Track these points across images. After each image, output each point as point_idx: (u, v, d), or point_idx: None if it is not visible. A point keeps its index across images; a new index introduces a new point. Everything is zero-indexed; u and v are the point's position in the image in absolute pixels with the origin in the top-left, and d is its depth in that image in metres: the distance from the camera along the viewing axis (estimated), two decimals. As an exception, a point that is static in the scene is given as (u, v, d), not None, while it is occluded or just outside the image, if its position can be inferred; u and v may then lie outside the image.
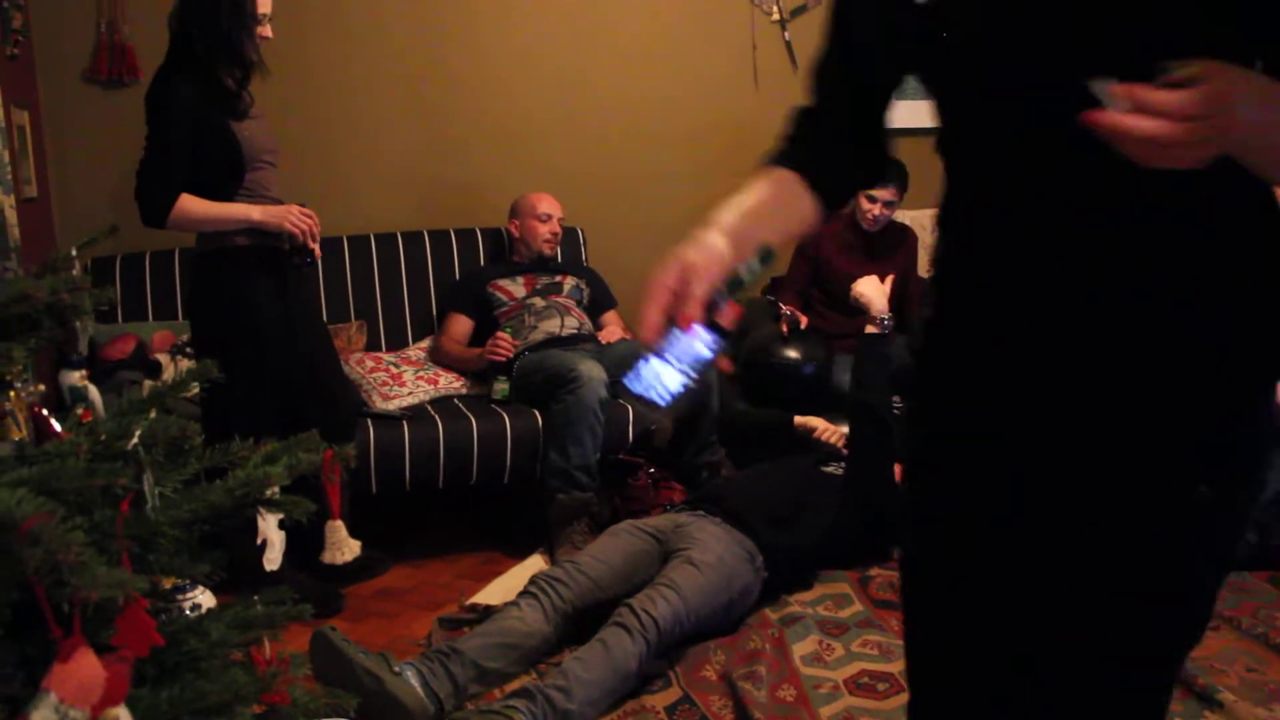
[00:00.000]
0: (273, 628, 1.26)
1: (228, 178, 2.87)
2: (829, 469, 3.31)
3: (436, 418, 3.43)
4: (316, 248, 2.96)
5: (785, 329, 3.95)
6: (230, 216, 2.85)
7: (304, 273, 3.04)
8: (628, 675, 2.34)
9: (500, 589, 3.09)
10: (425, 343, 3.96)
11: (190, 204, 2.80)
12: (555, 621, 2.57)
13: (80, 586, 0.83)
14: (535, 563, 3.32)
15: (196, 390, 1.39)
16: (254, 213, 2.86)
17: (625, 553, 2.76)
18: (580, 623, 2.58)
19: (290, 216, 2.89)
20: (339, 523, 2.63)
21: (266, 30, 2.90)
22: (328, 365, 3.17)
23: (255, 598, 1.28)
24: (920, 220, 4.79)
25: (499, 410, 3.50)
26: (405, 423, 3.38)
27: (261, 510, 1.29)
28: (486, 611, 2.84)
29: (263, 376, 2.90)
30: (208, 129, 2.81)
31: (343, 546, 2.31)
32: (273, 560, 1.43)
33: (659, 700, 2.38)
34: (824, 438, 3.54)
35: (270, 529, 1.39)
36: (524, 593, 2.63)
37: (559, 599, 2.59)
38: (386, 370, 3.68)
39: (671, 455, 3.69)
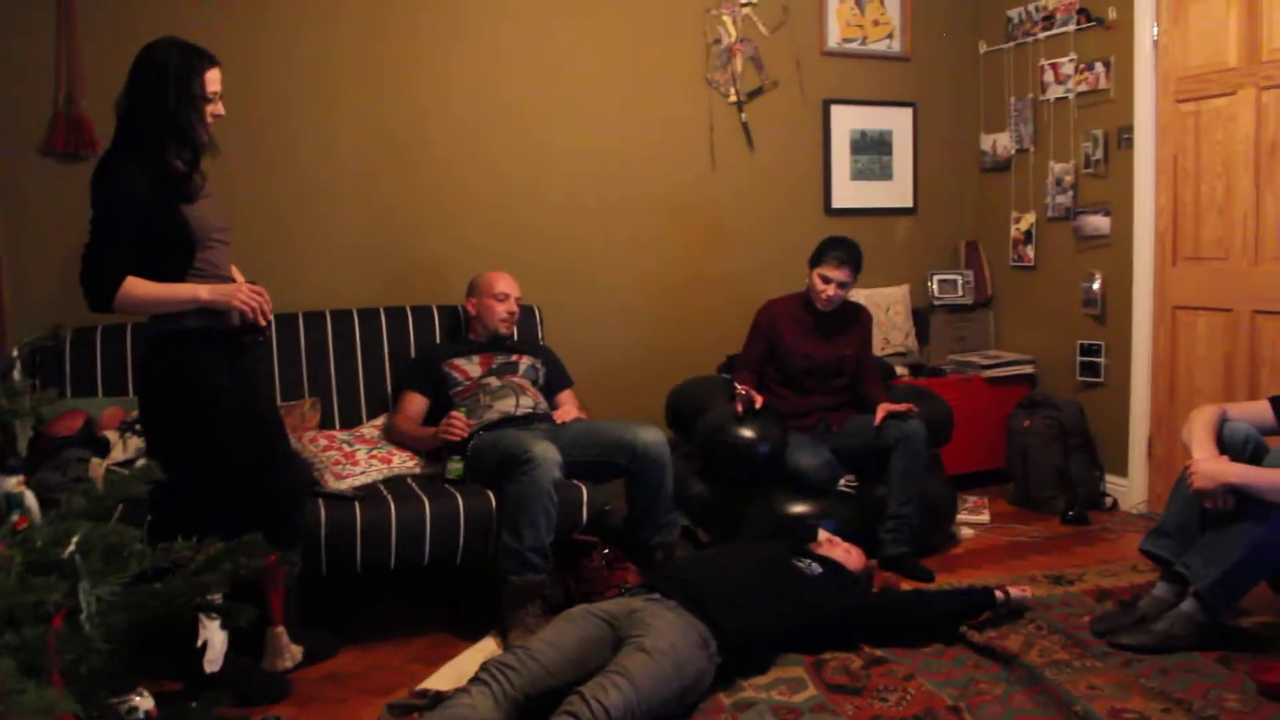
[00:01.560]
0: (210, 733, 1.24)
1: (178, 258, 2.83)
2: (801, 565, 3.31)
3: (389, 497, 3.40)
4: (265, 324, 2.93)
5: (740, 408, 3.97)
6: (178, 297, 2.80)
7: (255, 350, 3.01)
8: (578, 767, 2.31)
9: (452, 673, 3.05)
10: (380, 421, 3.94)
11: (136, 287, 2.75)
12: (506, 709, 2.53)
13: (6, 713, 0.81)
14: (488, 645, 3.29)
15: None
16: (202, 292, 2.81)
17: (578, 638, 2.73)
18: (531, 710, 2.54)
19: (239, 295, 2.84)
20: (280, 629, 2.60)
21: (218, 108, 2.88)
22: (279, 447, 3.13)
23: (192, 704, 1.26)
24: (874, 299, 4.87)
25: (452, 490, 3.48)
26: (357, 503, 3.35)
27: (202, 615, 1.27)
28: (437, 697, 2.80)
29: (213, 458, 2.86)
30: (156, 213, 2.77)
31: (284, 653, 2.28)
32: (213, 662, 1.41)
33: (609, 793, 2.35)
34: (831, 554, 3.51)
35: (212, 631, 1.37)
36: (475, 679, 2.60)
37: (510, 686, 2.55)
38: (339, 449, 3.65)
39: (627, 536, 3.67)
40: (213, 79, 2.84)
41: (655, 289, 4.88)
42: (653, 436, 3.62)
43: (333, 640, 3.27)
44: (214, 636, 1.38)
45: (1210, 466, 3.12)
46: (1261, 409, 3.42)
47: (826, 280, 4.10)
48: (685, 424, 4.29)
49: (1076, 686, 2.86)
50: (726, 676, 2.88)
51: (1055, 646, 3.17)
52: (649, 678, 2.53)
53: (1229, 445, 3.21)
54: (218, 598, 1.24)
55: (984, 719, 2.70)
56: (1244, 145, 4.13)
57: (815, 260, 4.15)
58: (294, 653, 2.89)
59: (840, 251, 4.10)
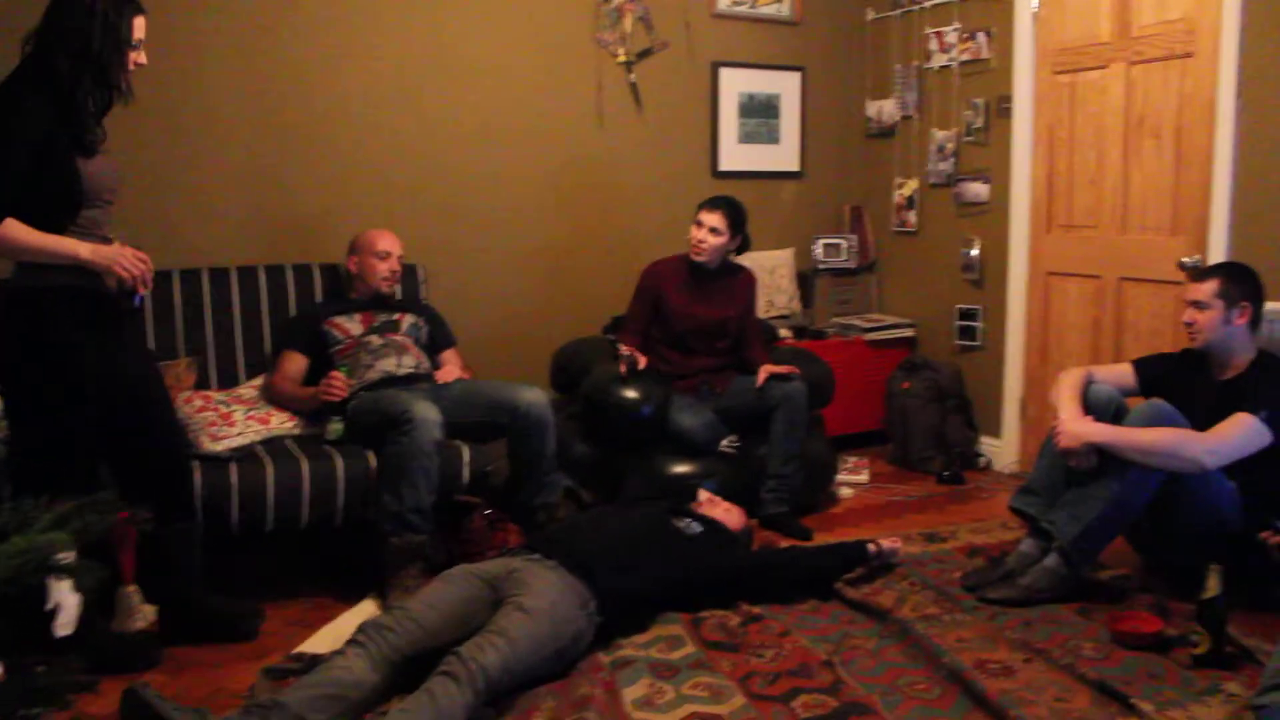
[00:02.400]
0: (57, 699, 1.20)
1: (61, 211, 2.70)
2: (681, 524, 3.34)
3: (266, 458, 3.34)
4: (144, 291, 2.83)
5: (624, 369, 3.98)
6: (58, 250, 2.67)
7: (127, 313, 2.91)
8: (454, 726, 2.31)
9: (329, 636, 3.01)
10: (258, 381, 3.85)
11: (16, 229, 2.62)
12: (383, 670, 2.51)
13: None
14: (367, 608, 3.26)
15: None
16: (82, 250, 2.69)
17: (457, 599, 2.72)
18: (410, 671, 2.52)
19: (122, 260, 2.72)
20: (132, 589, 2.53)
21: (141, 56, 2.77)
22: (154, 413, 3.02)
23: (39, 669, 1.22)
24: (759, 262, 4.91)
25: (332, 451, 3.43)
26: (233, 464, 3.28)
27: (51, 576, 1.22)
28: (313, 661, 2.76)
29: (71, 422, 2.76)
30: (51, 158, 2.64)
31: (135, 614, 2.21)
32: (65, 626, 1.37)
33: (485, 751, 2.36)
34: (711, 514, 3.54)
35: (62, 594, 1.33)
36: (351, 641, 2.57)
37: (387, 647, 2.53)
38: (216, 409, 3.56)
39: (508, 497, 3.66)
40: (139, 25, 2.76)
41: (541, 249, 4.85)
42: (535, 396, 3.62)
43: (254, 613, 3.17)
44: (66, 600, 1.33)
45: (1075, 426, 3.23)
46: (1124, 371, 3.55)
47: (699, 225, 4.13)
48: (569, 385, 4.29)
49: (945, 639, 2.95)
50: (605, 635, 2.90)
51: (927, 601, 3.26)
52: (527, 637, 2.54)
53: (1093, 406, 3.33)
54: (69, 557, 1.20)
55: (856, 672, 2.77)
56: (1115, 118, 4.26)
57: (696, 210, 4.19)
58: (146, 613, 2.82)
59: (714, 200, 4.15)
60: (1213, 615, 2.81)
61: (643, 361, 4.05)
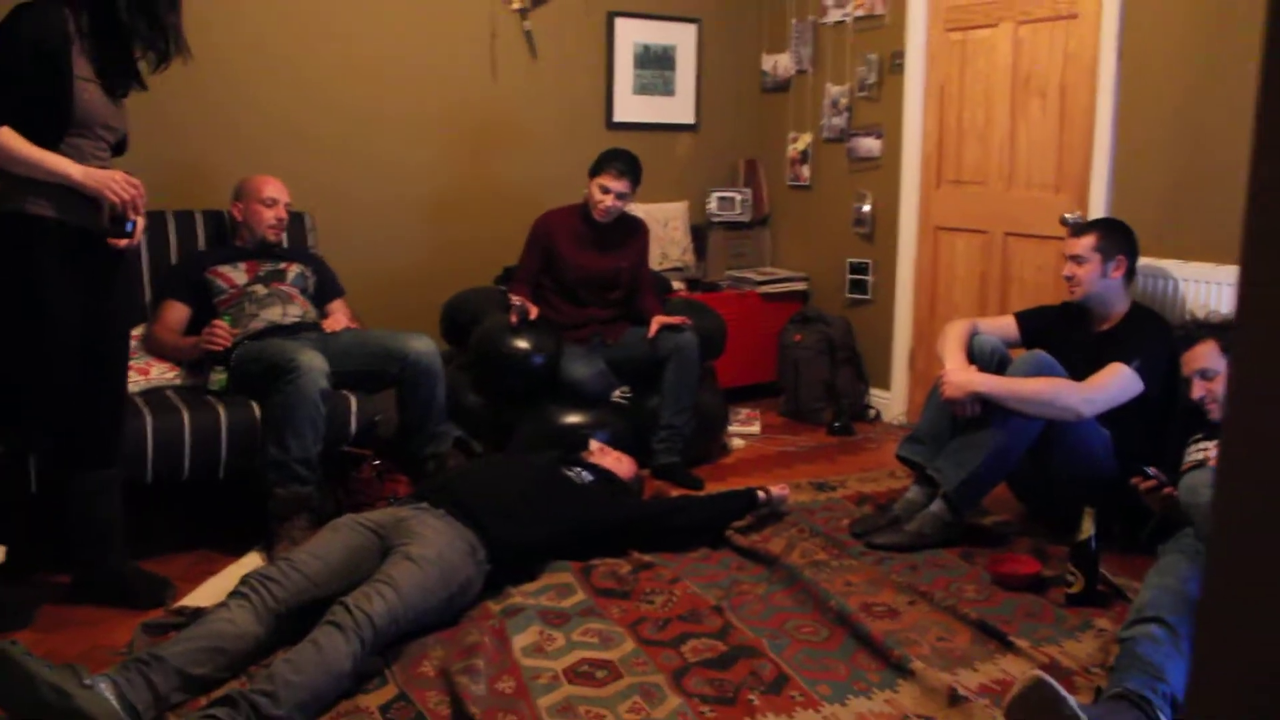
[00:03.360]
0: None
1: (49, 127, 2.62)
2: (571, 473, 3.33)
3: (145, 410, 3.22)
4: (140, 220, 2.74)
5: (515, 319, 3.94)
6: (47, 166, 2.58)
7: (120, 251, 2.77)
8: (341, 675, 2.27)
9: (212, 590, 2.94)
10: (138, 331, 3.71)
11: (11, 138, 2.54)
12: (268, 622, 2.46)
13: None
14: (252, 561, 3.19)
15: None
16: (74, 170, 2.60)
17: (344, 548, 2.68)
18: (296, 623, 2.48)
19: (113, 184, 2.64)
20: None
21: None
22: (111, 370, 2.91)
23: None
24: (653, 214, 4.89)
25: (214, 402, 3.33)
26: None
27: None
28: (195, 614, 2.70)
29: (34, 363, 2.68)
30: (54, 65, 2.58)
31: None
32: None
33: (373, 700, 2.32)
34: (602, 463, 3.53)
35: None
36: (234, 593, 2.51)
37: (271, 598, 2.48)
38: (89, 359, 3.43)
39: (398, 446, 3.62)
40: None
41: (432, 199, 4.76)
42: (424, 345, 3.56)
43: (165, 584, 3.02)
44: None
45: (959, 376, 3.30)
46: (1008, 323, 3.64)
47: (605, 190, 4.09)
48: (460, 335, 4.24)
49: (833, 584, 3.01)
50: (495, 584, 2.89)
51: (816, 548, 3.31)
52: (415, 586, 2.51)
53: (977, 356, 3.41)
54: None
55: (745, 616, 2.81)
56: (1003, 76, 4.33)
57: (595, 171, 4.13)
58: None
59: (620, 163, 4.09)
60: (1086, 556, 2.92)
61: (534, 312, 4.02)
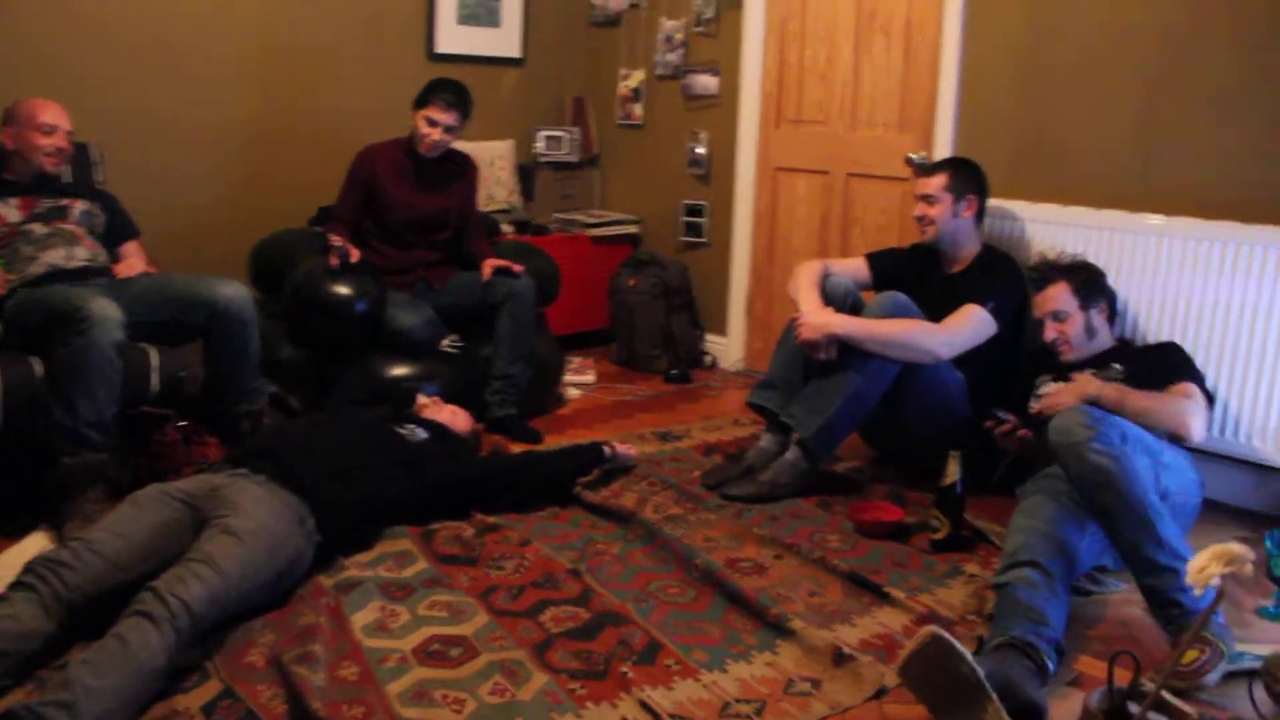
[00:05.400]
0: None
1: None
2: (404, 430, 3.04)
3: (-102, 368, 2.76)
4: None
5: (334, 262, 3.60)
6: None
7: None
8: (152, 674, 1.94)
9: (-11, 577, 2.53)
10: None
11: None
12: (59, 616, 2.10)
13: None
14: (36, 544, 2.75)
15: None
16: None
17: (149, 524, 2.32)
18: (95, 615, 2.12)
19: None
20: None
21: None
22: None
23: None
24: (478, 153, 4.57)
25: (-16, 358, 2.89)
26: None
27: None
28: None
29: None
30: None
31: None
32: None
33: (194, 699, 2.00)
34: (436, 417, 3.25)
35: None
36: (16, 584, 2.13)
37: (63, 586, 2.12)
38: None
39: (207, 404, 3.24)
40: None
41: (238, 133, 4.33)
42: (234, 291, 3.19)
43: None
44: None
45: (816, 318, 3.17)
46: (858, 265, 3.54)
47: (432, 123, 3.77)
48: (272, 282, 3.85)
49: (694, 540, 2.84)
50: (327, 556, 2.58)
51: (669, 502, 3.14)
52: (237, 563, 2.19)
53: (830, 298, 3.28)
54: None
55: (605, 579, 2.60)
56: (847, 12, 4.20)
57: (420, 102, 3.80)
58: None
59: (448, 93, 3.77)
60: (952, 500, 2.84)
61: (355, 254, 3.67)
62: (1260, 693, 2.07)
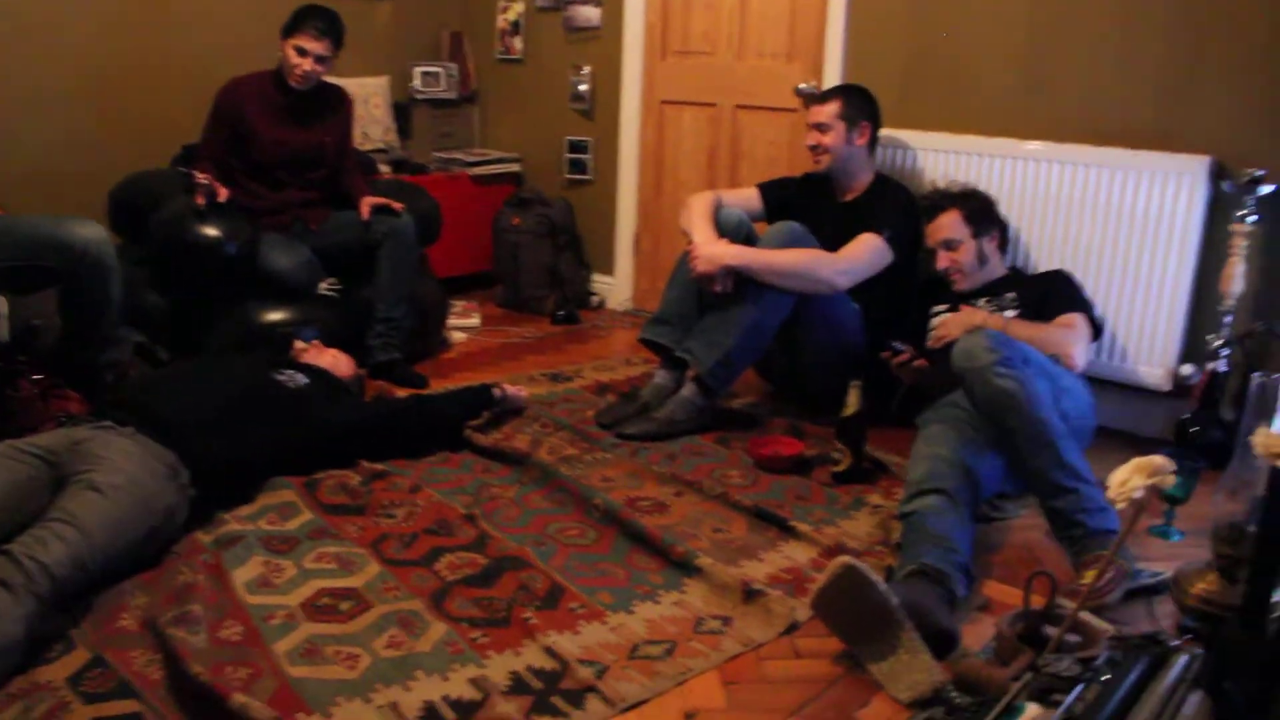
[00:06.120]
0: None
1: None
2: (283, 377, 2.86)
3: None
4: None
5: (201, 201, 3.38)
6: None
7: None
8: (11, 646, 1.77)
9: None
10: None
11: None
12: (-100, 585, 1.91)
13: None
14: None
15: None
16: None
17: (4, 484, 2.13)
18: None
19: None
20: None
21: None
22: None
23: None
24: (353, 90, 4.35)
25: None
26: None
27: None
28: None
29: None
30: None
31: None
32: None
33: (58, 671, 1.83)
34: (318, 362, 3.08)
35: None
36: None
37: (-96, 554, 1.93)
38: None
39: (65, 356, 3.01)
40: None
41: (91, 68, 4.03)
42: (93, 233, 2.95)
43: None
44: None
45: (711, 250, 3.09)
46: (751, 195, 3.47)
47: (302, 53, 3.54)
48: (134, 225, 3.60)
49: (591, 480, 2.75)
50: (203, 511, 2.42)
51: (564, 443, 3.05)
52: (103, 521, 2.02)
53: (724, 229, 3.21)
54: None
55: (501, 524, 2.50)
56: (732, -63, 4.10)
57: (289, 30, 3.56)
58: None
59: (319, 20, 3.55)
60: (853, 431, 2.81)
61: (224, 193, 3.45)
62: (1162, 606, 2.09)
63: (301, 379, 2.93)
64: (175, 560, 2.22)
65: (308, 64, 3.55)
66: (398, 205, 3.70)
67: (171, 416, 2.42)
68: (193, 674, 1.77)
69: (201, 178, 3.42)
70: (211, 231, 3.37)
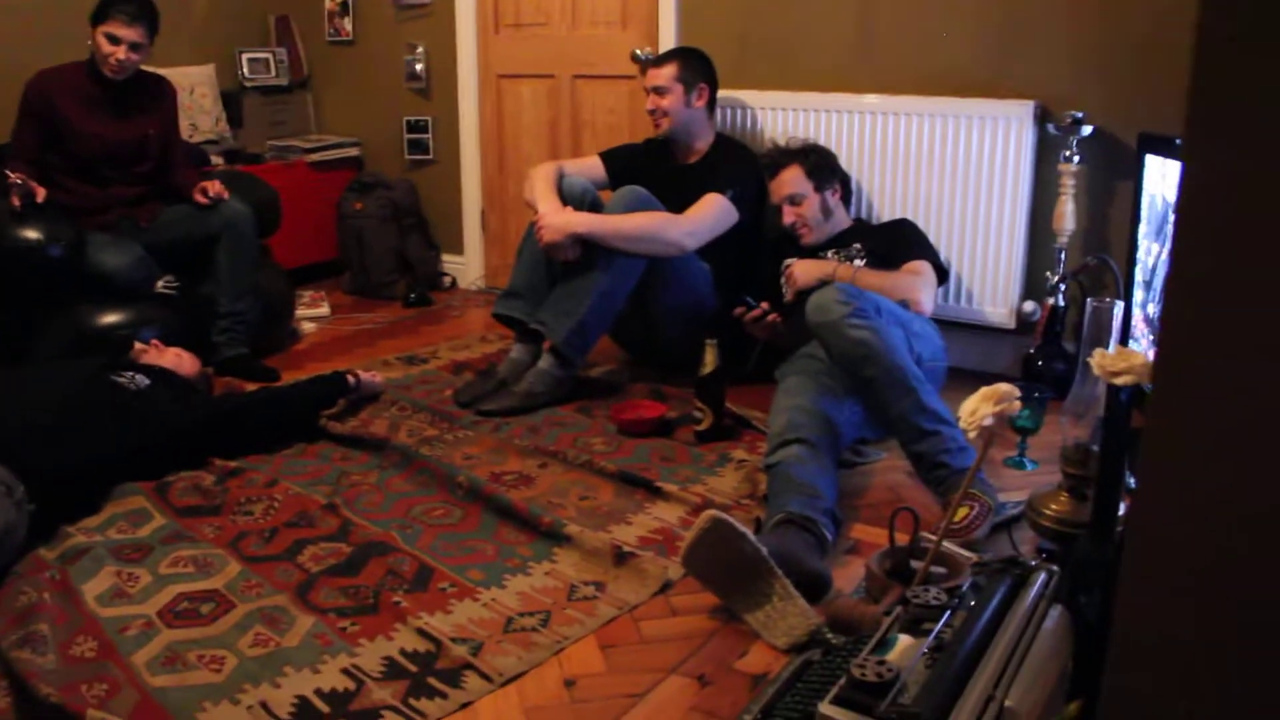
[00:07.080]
0: None
1: None
2: (123, 379, 2.73)
3: None
4: None
5: (17, 202, 3.20)
6: None
7: None
8: None
9: None
10: None
11: None
12: None
13: None
14: None
15: None
16: None
17: None
18: None
19: None
20: None
21: None
22: None
23: None
24: (175, 80, 4.16)
25: None
26: None
27: None
28: None
29: None
30: None
31: None
32: None
33: (-109, 703, 1.74)
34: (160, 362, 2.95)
35: None
36: None
37: None
38: None
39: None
40: None
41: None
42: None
43: None
44: None
45: (557, 219, 3.07)
46: (593, 163, 3.46)
47: (114, 40, 3.37)
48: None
49: (453, 459, 2.72)
50: (45, 526, 2.30)
51: (423, 424, 3.00)
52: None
53: (568, 198, 3.18)
54: None
55: (363, 510, 2.45)
56: (557, -96, 4.06)
57: (97, 17, 3.38)
58: None
59: (130, 5, 3.37)
60: (712, 389, 2.83)
61: (41, 193, 3.27)
62: (1022, 533, 2.17)
63: (143, 380, 2.81)
64: (16, 580, 2.09)
65: (121, 52, 3.38)
66: (219, 187, 3.54)
67: (3, 430, 2.29)
68: (41, 695, 1.68)
69: (15, 178, 3.24)
70: (32, 234, 3.19)
